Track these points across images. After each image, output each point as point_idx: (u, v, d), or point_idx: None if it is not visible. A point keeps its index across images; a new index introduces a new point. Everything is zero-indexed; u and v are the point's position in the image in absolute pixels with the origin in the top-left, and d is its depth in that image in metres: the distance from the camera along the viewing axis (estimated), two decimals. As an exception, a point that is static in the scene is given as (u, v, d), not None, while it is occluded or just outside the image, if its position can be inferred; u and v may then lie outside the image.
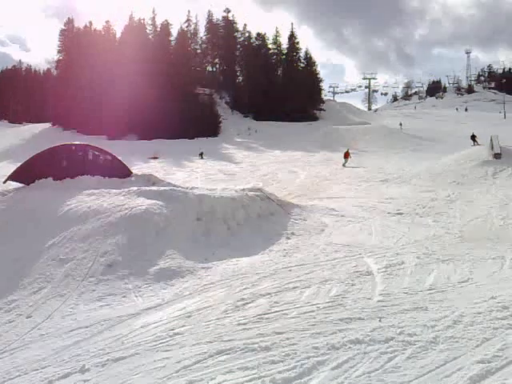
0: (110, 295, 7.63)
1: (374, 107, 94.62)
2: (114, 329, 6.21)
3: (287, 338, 5.12)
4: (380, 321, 5.52)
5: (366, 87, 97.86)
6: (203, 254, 9.38)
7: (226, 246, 10.17)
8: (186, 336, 5.53)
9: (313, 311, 5.94)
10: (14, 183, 13.06)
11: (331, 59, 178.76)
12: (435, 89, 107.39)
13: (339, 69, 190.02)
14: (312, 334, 5.21)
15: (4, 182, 13.14)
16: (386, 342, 4.92)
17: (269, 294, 6.79)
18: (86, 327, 6.38)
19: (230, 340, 5.22)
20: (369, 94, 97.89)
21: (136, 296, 7.54)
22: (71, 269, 8.52)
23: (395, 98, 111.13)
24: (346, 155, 28.72)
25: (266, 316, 5.89)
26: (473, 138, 32.90)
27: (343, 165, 27.39)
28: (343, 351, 4.75)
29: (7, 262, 8.79)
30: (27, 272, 8.46)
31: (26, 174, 13.04)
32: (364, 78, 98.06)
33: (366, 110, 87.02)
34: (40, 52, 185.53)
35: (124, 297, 7.54)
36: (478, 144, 29.95)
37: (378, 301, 6.27)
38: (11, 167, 16.06)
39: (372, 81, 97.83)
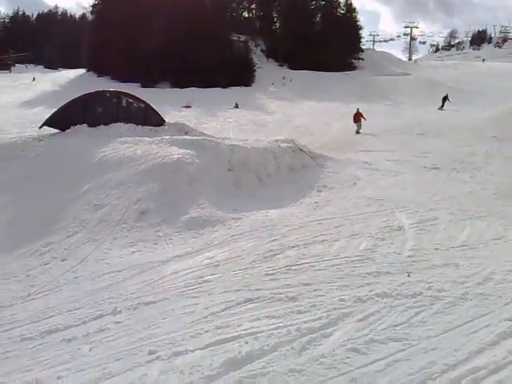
0: (142, 241, 7.81)
1: (414, 57, 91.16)
2: (145, 274, 6.37)
3: (314, 290, 5.14)
4: (409, 276, 5.48)
5: (404, 34, 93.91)
6: (233, 205, 9.42)
7: (257, 197, 10.18)
8: (215, 284, 5.63)
9: (341, 264, 5.93)
10: (50, 129, 13.25)
11: (366, 5, 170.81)
12: (480, 39, 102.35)
13: (375, 17, 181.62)
14: (339, 286, 5.22)
15: (40, 127, 13.36)
16: (413, 297, 4.89)
17: (297, 245, 6.80)
18: (119, 271, 6.56)
19: (257, 289, 5.28)
20: (410, 44, 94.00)
21: (167, 243, 7.69)
22: (105, 214, 8.73)
23: (437, 48, 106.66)
24: (358, 118, 21.84)
25: (294, 267, 5.92)
26: (444, 99, 30.92)
27: (357, 132, 21.29)
28: (370, 304, 4.76)
29: (43, 206, 9.05)
30: (63, 216, 8.71)
31: (61, 120, 13.22)
32: (406, 27, 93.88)
33: (406, 60, 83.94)
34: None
35: (155, 244, 7.72)
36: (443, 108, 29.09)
37: (408, 256, 6.21)
38: (46, 113, 16.26)
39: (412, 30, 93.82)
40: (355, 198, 9.85)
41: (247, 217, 8.78)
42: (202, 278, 5.87)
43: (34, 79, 58.05)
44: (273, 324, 4.42)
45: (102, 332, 4.70)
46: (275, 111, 34.06)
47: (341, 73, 57.53)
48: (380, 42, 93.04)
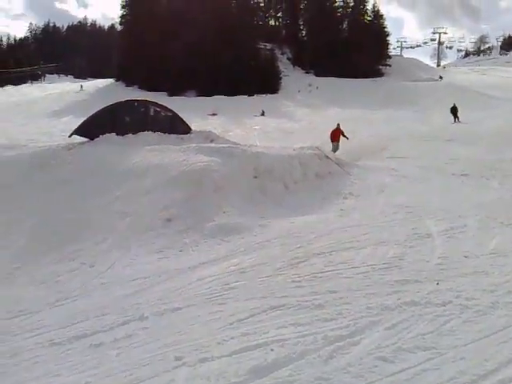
0: (169, 248, 7.88)
1: (442, 63, 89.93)
2: (171, 280, 6.41)
3: (340, 297, 5.09)
4: (437, 284, 5.37)
5: (431, 40, 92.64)
6: (259, 212, 9.42)
7: (283, 204, 10.16)
8: (240, 290, 5.62)
9: (368, 272, 5.86)
10: (79, 137, 13.51)
11: (390, 13, 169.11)
12: (509, 44, 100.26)
13: (399, 23, 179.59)
14: (366, 294, 5.15)
15: (69, 136, 13.63)
16: (442, 305, 4.79)
17: (323, 253, 6.75)
18: (145, 278, 6.62)
19: (283, 296, 5.25)
20: (438, 49, 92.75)
21: (193, 250, 7.73)
22: (132, 221, 8.83)
23: (466, 54, 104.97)
24: (336, 136, 18.07)
25: (320, 275, 5.87)
26: (454, 111, 27.42)
27: (332, 150, 16.85)
28: (398, 312, 4.68)
29: (73, 213, 9.21)
30: (91, 223, 8.86)
31: (90, 129, 13.47)
32: (434, 32, 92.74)
33: (434, 66, 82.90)
34: (98, 8, 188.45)
35: (181, 250, 7.77)
36: (459, 120, 26.57)
37: (437, 264, 6.09)
38: (75, 122, 16.60)
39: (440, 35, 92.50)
40: (382, 205, 9.74)
41: (273, 224, 8.76)
42: (227, 284, 5.87)
43: (81, 87, 59.30)
44: (299, 332, 4.38)
45: (129, 338, 4.73)
46: (301, 118, 34.06)
47: (368, 79, 57.26)
48: (407, 48, 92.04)
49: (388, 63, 65.62)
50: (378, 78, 60.14)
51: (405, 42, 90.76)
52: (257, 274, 6.14)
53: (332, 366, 3.77)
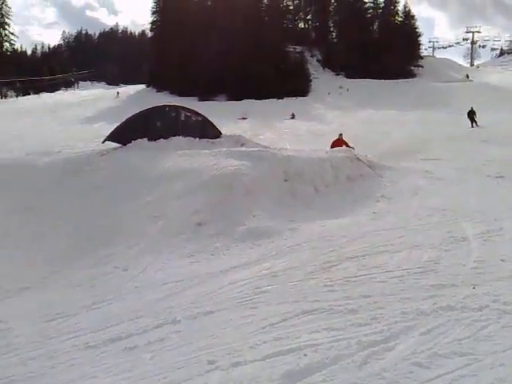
0: (200, 252, 7.91)
1: (476, 63, 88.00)
2: (203, 284, 6.43)
3: (374, 302, 5.01)
4: (474, 288, 5.24)
5: (464, 40, 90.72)
6: (290, 216, 9.38)
7: (314, 207, 10.09)
8: (272, 295, 5.60)
9: (402, 276, 5.75)
10: (112, 143, 13.73)
11: (421, 13, 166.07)
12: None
13: (430, 23, 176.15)
14: (401, 298, 5.06)
15: (103, 142, 13.86)
16: (479, 310, 4.67)
17: (356, 256, 6.66)
18: (177, 281, 6.66)
19: (315, 301, 5.20)
20: (471, 49, 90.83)
21: (224, 254, 7.74)
22: (164, 226, 8.92)
23: (501, 53, 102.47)
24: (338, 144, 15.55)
25: (353, 279, 5.79)
26: (471, 115, 26.25)
27: None
28: (433, 317, 4.58)
29: (106, 218, 9.37)
30: (124, 227, 8.99)
31: (122, 135, 13.67)
32: (467, 32, 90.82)
33: (467, 65, 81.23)
34: (128, 15, 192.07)
35: (212, 254, 7.79)
36: (477, 125, 25.39)
37: (473, 267, 5.94)
38: (108, 128, 16.89)
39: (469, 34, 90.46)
40: (416, 208, 9.57)
41: (304, 227, 8.71)
42: (259, 288, 5.85)
43: (118, 94, 60.45)
44: (332, 336, 4.33)
45: (163, 341, 4.77)
46: (332, 121, 33.83)
47: (399, 80, 56.62)
48: (439, 48, 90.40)
49: (420, 64, 64.75)
50: (410, 79, 59.39)
51: (437, 42, 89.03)
52: (288, 278, 6.11)
53: (366, 371, 3.71)
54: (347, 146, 15.51)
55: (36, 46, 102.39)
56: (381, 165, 13.19)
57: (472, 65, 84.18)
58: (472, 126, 25.93)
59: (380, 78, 56.53)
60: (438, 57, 75.85)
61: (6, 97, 70.98)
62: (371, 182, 11.81)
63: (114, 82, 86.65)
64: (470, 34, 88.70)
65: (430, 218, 8.64)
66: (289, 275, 6.24)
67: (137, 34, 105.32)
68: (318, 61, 66.28)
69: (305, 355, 3.99)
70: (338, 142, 15.90)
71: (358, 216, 9.42)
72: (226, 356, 4.17)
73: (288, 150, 13.21)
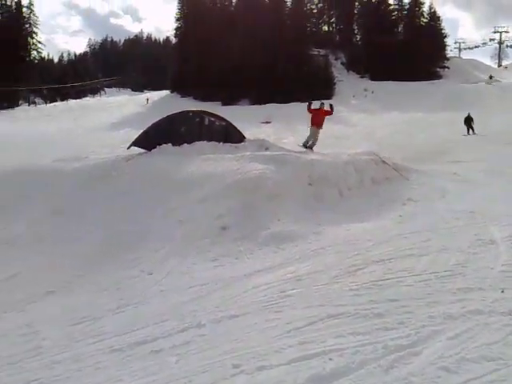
0: (224, 256, 7.92)
1: (504, 63, 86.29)
2: (227, 288, 6.44)
3: (401, 306, 4.94)
4: (503, 292, 5.12)
5: (490, 40, 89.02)
6: (314, 219, 9.33)
7: (338, 211, 10.02)
8: (297, 298, 5.56)
9: (429, 280, 5.66)
10: (137, 149, 13.87)
11: (446, 14, 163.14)
12: None
13: (454, 24, 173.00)
14: (428, 302, 4.98)
15: (128, 148, 14.01)
16: (508, 314, 4.55)
17: (382, 260, 6.58)
18: (202, 285, 6.68)
19: (340, 305, 5.15)
20: (499, 49, 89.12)
21: (248, 258, 7.74)
22: (189, 230, 8.96)
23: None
24: (318, 120, 14.92)
25: (379, 283, 5.72)
26: (468, 121, 25.28)
27: (306, 145, 14.62)
28: (461, 321, 4.49)
29: (131, 223, 9.45)
30: (149, 232, 9.05)
31: (147, 140, 13.79)
32: (495, 32, 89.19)
33: (495, 66, 79.78)
34: (151, 22, 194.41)
35: (237, 258, 7.80)
36: (474, 132, 24.48)
37: (501, 271, 5.80)
38: (133, 133, 17.07)
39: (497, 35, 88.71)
40: (443, 211, 9.43)
41: (329, 231, 8.66)
42: (283, 292, 5.82)
43: (147, 100, 61.22)
44: (358, 341, 4.28)
45: (188, 344, 4.77)
46: (357, 123, 33.66)
47: (425, 82, 56.02)
48: (465, 49, 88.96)
49: (446, 65, 64.00)
50: (436, 81, 58.72)
51: (463, 42, 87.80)
52: (313, 282, 6.07)
53: (393, 376, 3.66)
54: (328, 112, 15.05)
55: (62, 53, 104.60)
56: (407, 167, 13.04)
57: (500, 65, 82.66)
58: (468, 133, 25.17)
59: (405, 80, 56.01)
60: (464, 58, 74.77)
61: (34, 104, 72.58)
62: (397, 184, 11.69)
63: (138, 88, 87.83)
64: (497, 34, 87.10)
65: (457, 221, 8.50)
66: (313, 279, 6.20)
67: (161, 40, 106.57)
68: (342, 64, 66.10)
69: (330, 359, 3.95)
70: (320, 115, 15.21)
71: (384, 219, 9.32)
72: (251, 360, 4.15)
73: (312, 154, 13.15)
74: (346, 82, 59.44)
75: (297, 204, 10.07)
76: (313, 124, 15.17)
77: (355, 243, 7.65)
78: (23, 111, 63.07)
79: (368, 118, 36.58)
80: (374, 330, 4.45)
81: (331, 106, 15.20)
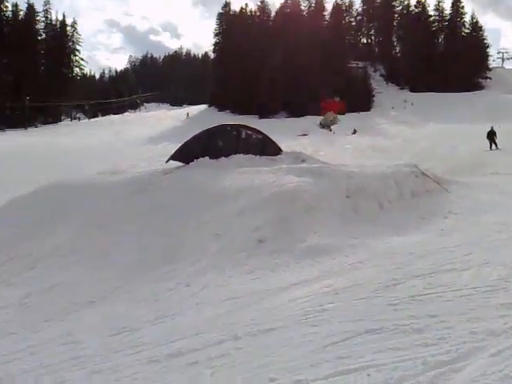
0: (260, 269, 7.88)
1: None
2: (263, 301, 6.39)
3: (441, 322, 4.79)
4: (549, 308, 4.91)
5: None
6: (352, 232, 9.21)
7: (377, 224, 9.87)
8: (334, 313, 5.47)
9: (471, 295, 5.47)
10: (175, 162, 14.06)
11: (488, 23, 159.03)
12: None
13: (496, 34, 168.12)
14: (469, 318, 4.81)
15: (166, 162, 14.21)
16: (553, 331, 4.36)
17: (422, 274, 6.42)
18: (238, 298, 6.66)
19: (379, 320, 5.04)
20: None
21: (284, 271, 7.68)
22: (225, 243, 8.97)
23: None
24: (332, 106, 13.90)
25: (419, 298, 5.57)
26: (490, 136, 23.90)
27: (325, 125, 14.77)
28: (504, 338, 4.31)
29: (169, 235, 9.55)
30: (186, 244, 9.12)
31: (185, 154, 13.98)
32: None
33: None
34: (190, 38, 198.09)
35: (273, 271, 7.75)
36: (497, 147, 23.18)
37: (548, 286, 5.58)
38: (171, 147, 17.32)
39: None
40: (485, 224, 9.16)
41: (367, 244, 8.52)
42: (320, 306, 5.74)
43: (187, 115, 62.37)
44: (397, 356, 4.17)
45: (223, 357, 4.76)
46: (396, 135, 33.22)
47: (467, 93, 54.92)
48: (509, 59, 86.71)
49: (488, 76, 62.65)
50: (478, 92, 57.54)
51: (506, 52, 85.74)
52: (351, 296, 5.97)
53: (433, 393, 3.55)
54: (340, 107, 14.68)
55: (104, 70, 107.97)
56: (448, 179, 12.78)
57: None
58: (491, 148, 24.29)
59: (446, 91, 55.11)
60: (507, 68, 72.94)
61: (77, 119, 74.93)
62: (438, 197, 11.46)
63: (177, 102, 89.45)
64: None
65: (500, 235, 8.25)
66: (351, 293, 6.10)
67: (200, 55, 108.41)
68: (381, 75, 65.74)
69: (368, 375, 3.87)
70: (334, 105, 14.92)
71: (425, 233, 9.13)
72: (287, 374, 4.10)
73: (350, 166, 13.04)
74: (385, 94, 58.95)
75: (334, 216, 9.96)
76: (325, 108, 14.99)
77: (394, 257, 7.50)
78: (66, 126, 65.28)
79: (408, 130, 36.05)
80: (413, 346, 4.33)
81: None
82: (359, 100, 53.71)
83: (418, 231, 9.28)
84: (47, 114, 70.23)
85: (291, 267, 7.82)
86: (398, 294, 5.76)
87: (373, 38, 72.28)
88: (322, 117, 12.40)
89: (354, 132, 36.06)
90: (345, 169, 12.12)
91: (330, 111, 12.59)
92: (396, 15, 68.63)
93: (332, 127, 12.33)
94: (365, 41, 72.57)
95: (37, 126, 65.35)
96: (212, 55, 75.29)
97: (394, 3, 68.51)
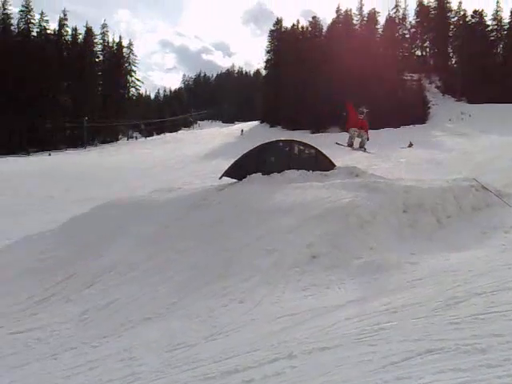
0: (314, 286, 7.77)
1: None
2: (318, 318, 6.29)
3: (506, 342, 4.54)
4: None
5: None
6: (409, 248, 8.96)
7: (435, 240, 9.58)
8: (392, 332, 5.31)
9: (538, 314, 5.19)
10: (228, 179, 14.20)
11: None
12: None
13: None
14: (537, 339, 4.55)
15: (220, 178, 14.39)
16: None
17: (484, 292, 6.13)
18: (292, 315, 6.58)
19: (439, 339, 4.84)
20: None
21: (339, 288, 7.54)
22: (278, 259, 8.91)
23: None
24: (359, 122, 14.58)
25: (482, 316, 5.32)
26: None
27: (350, 145, 14.34)
28: None
29: (222, 251, 9.60)
30: (238, 260, 9.12)
31: (238, 170, 14.10)
32: None
33: None
34: (241, 56, 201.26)
35: (327, 288, 7.62)
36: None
37: None
38: (224, 164, 17.51)
39: None
40: (551, 240, 8.71)
41: (425, 261, 8.26)
42: (378, 324, 5.59)
43: (242, 132, 63.37)
44: (459, 377, 3.98)
45: (279, 375, 4.70)
46: (453, 148, 32.32)
47: (528, 104, 52.81)
48: None
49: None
50: (542, 101, 55.21)
51: None
52: (410, 315, 5.77)
53: (498, 418, 3.36)
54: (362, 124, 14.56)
55: (158, 89, 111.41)
56: (509, 193, 12.26)
57: None
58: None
59: (506, 103, 53.17)
60: None
61: (134, 138, 77.38)
62: (499, 211, 11.01)
63: (229, 119, 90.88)
64: None
65: None
66: (410, 311, 5.90)
67: (251, 73, 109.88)
68: (437, 87, 64.45)
69: (429, 397, 3.71)
70: (358, 121, 15.02)
71: (486, 248, 8.76)
72: (345, 395, 4.00)
73: (406, 180, 12.75)
74: (442, 106, 57.63)
75: (390, 232, 9.74)
76: (356, 126, 14.96)
77: (455, 274, 7.21)
78: (123, 145, 67.39)
79: (465, 143, 34.99)
80: (476, 367, 4.13)
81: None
82: (414, 112, 52.74)
83: (478, 247, 8.93)
84: (105, 134, 72.93)
85: (346, 284, 7.67)
86: (459, 313, 5.53)
87: (428, 49, 71.10)
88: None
89: (410, 145, 35.33)
90: (400, 183, 11.86)
91: (360, 127, 11.87)
92: (451, 26, 67.25)
93: (354, 144, 11.68)
94: (419, 53, 71.52)
95: (96, 145, 67.98)
96: (264, 72, 76.11)
97: (449, 14, 67.24)
